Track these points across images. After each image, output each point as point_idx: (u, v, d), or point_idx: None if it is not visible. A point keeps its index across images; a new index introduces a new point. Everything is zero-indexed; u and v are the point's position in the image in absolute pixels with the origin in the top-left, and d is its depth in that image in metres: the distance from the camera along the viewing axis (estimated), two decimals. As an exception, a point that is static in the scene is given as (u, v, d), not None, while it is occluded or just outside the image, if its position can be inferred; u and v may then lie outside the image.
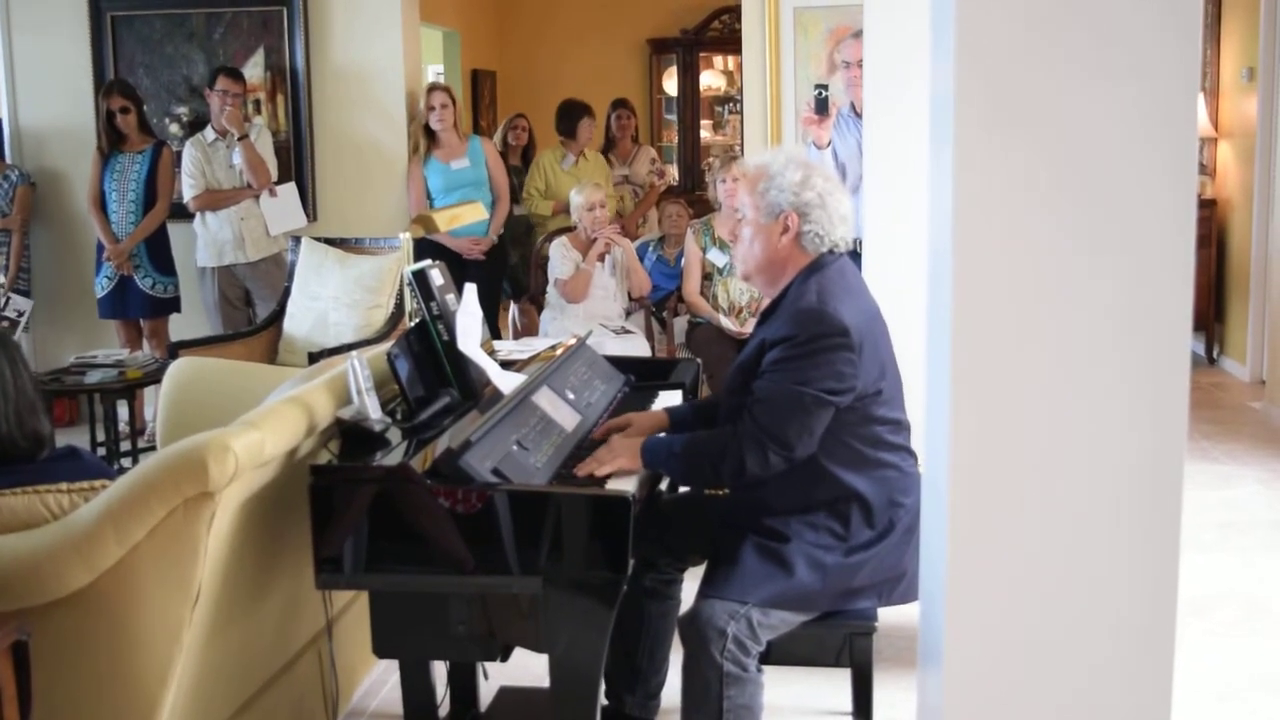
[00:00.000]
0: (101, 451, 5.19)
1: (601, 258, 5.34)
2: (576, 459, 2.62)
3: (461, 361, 2.72)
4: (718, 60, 10.11)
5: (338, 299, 5.28)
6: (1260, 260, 6.47)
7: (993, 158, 1.62)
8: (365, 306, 5.27)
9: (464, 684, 3.04)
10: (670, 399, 3.26)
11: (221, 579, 2.28)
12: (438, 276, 2.77)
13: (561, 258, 5.34)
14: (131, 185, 5.80)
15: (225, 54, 6.16)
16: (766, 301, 2.73)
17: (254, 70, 6.15)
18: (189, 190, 5.84)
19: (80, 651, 2.14)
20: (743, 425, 2.52)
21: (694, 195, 8.64)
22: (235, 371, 3.91)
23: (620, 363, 3.39)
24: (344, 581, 2.42)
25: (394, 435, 2.49)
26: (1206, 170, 7.28)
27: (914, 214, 3.05)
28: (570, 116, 6.49)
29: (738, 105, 9.24)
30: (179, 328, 5.99)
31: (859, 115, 4.31)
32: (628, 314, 5.52)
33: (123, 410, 5.44)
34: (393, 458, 2.38)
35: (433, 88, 5.96)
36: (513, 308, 5.90)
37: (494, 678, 3.18)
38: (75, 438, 5.07)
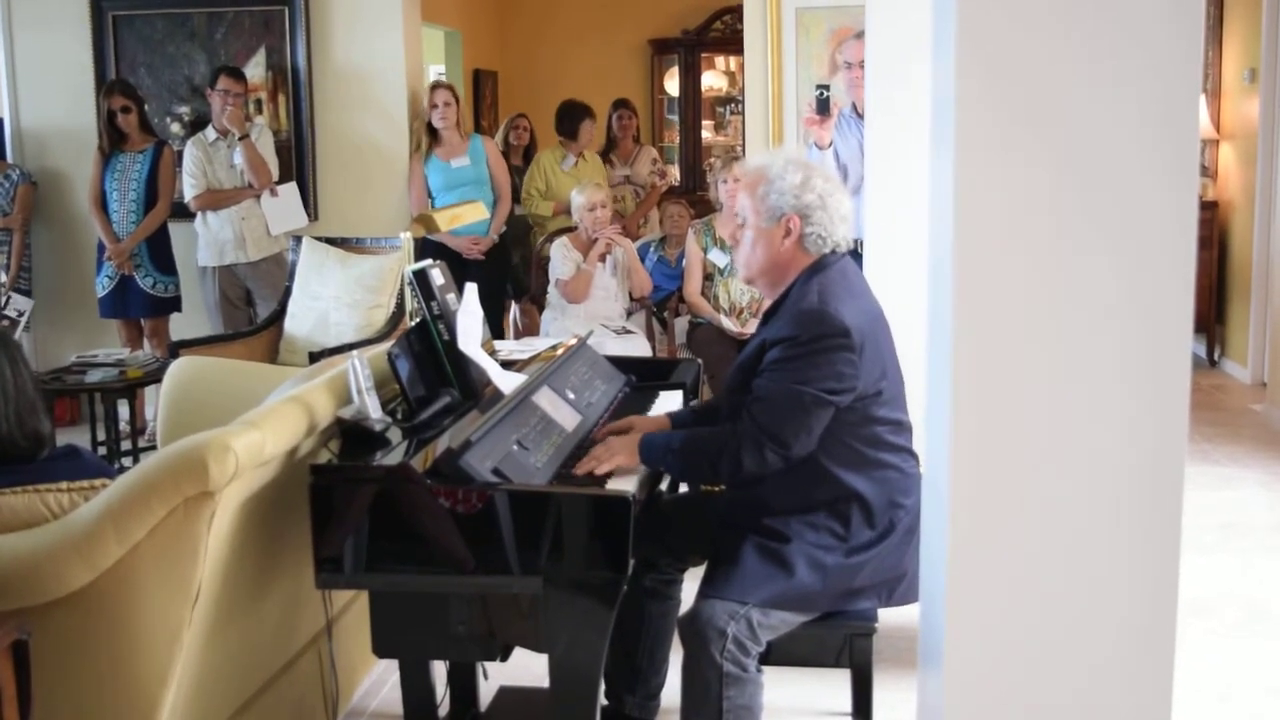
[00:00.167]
0: (102, 451, 5.19)
1: (602, 258, 5.33)
2: (577, 459, 2.62)
3: (462, 361, 2.72)
4: (719, 61, 10.11)
5: (339, 299, 5.28)
6: (1261, 262, 6.46)
7: (994, 158, 1.61)
8: (366, 306, 5.27)
9: (464, 684, 3.04)
10: (671, 399, 3.26)
11: (222, 578, 2.28)
12: (438, 276, 2.77)
13: (562, 258, 5.34)
14: (132, 185, 5.80)
15: (226, 53, 6.16)
16: (768, 303, 2.72)
17: (255, 70, 6.16)
18: (190, 190, 5.84)
19: (80, 651, 2.14)
20: (741, 423, 2.52)
21: (695, 196, 8.64)
22: (236, 371, 3.91)
23: (621, 363, 3.39)
24: (344, 581, 2.41)
25: (394, 435, 2.49)
26: (1208, 172, 7.28)
27: (915, 215, 3.04)
28: (572, 118, 6.49)
29: (739, 106, 9.25)
30: (180, 327, 6.00)
31: (861, 116, 4.31)
32: (629, 314, 5.52)
33: (123, 410, 5.44)
34: (393, 457, 2.38)
35: (436, 85, 5.97)
36: (513, 308, 5.90)
37: (494, 678, 3.18)
38: (76, 437, 5.07)
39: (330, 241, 5.53)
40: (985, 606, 1.70)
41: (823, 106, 4.28)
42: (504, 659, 2.51)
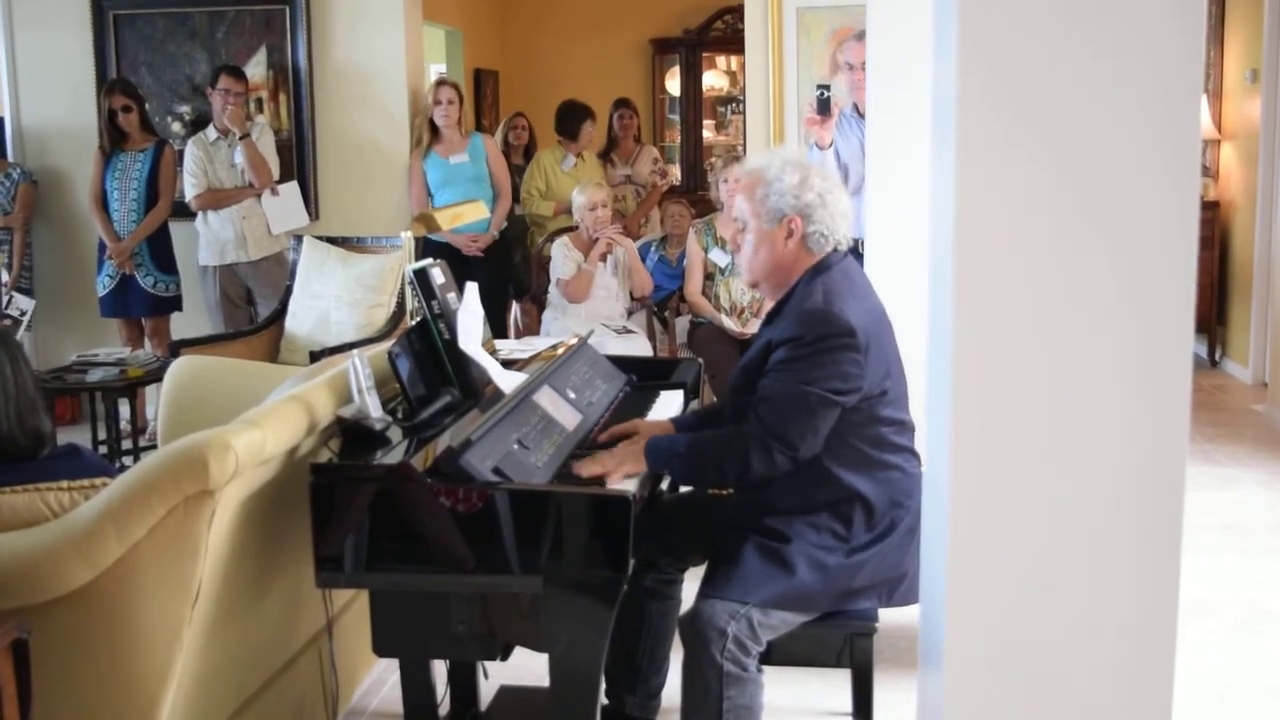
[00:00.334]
0: (103, 450, 5.19)
1: (603, 258, 5.33)
2: (578, 458, 2.61)
3: (462, 360, 2.72)
4: (720, 60, 10.11)
5: (339, 298, 5.28)
6: (1263, 262, 6.46)
7: (995, 158, 1.61)
8: (367, 305, 5.27)
9: (464, 683, 3.04)
10: (672, 399, 3.26)
11: (222, 577, 2.28)
12: (439, 275, 2.77)
13: (563, 258, 5.34)
14: (133, 184, 5.80)
15: (227, 53, 6.16)
16: (770, 303, 2.72)
17: (256, 69, 6.16)
18: (191, 189, 5.84)
19: (81, 650, 2.14)
20: (748, 425, 2.51)
21: (696, 195, 8.64)
22: (237, 370, 3.91)
23: (622, 362, 3.39)
24: (344, 580, 2.41)
25: (395, 434, 2.49)
26: (1209, 172, 7.28)
27: (916, 215, 3.04)
28: (573, 119, 6.48)
29: (740, 105, 9.24)
30: (180, 326, 6.00)
31: (861, 115, 4.31)
32: (629, 314, 5.52)
33: (124, 409, 5.44)
34: (393, 456, 2.38)
35: (441, 82, 5.97)
36: (514, 307, 5.90)
37: (494, 677, 3.18)
38: (77, 436, 5.08)
39: (331, 241, 5.53)
40: (986, 607, 1.70)
41: (823, 106, 4.28)
42: (504, 658, 2.51)
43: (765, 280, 2.68)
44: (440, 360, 2.73)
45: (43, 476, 2.23)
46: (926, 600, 1.87)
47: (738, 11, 7.81)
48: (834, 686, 3.11)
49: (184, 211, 5.93)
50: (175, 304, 6.00)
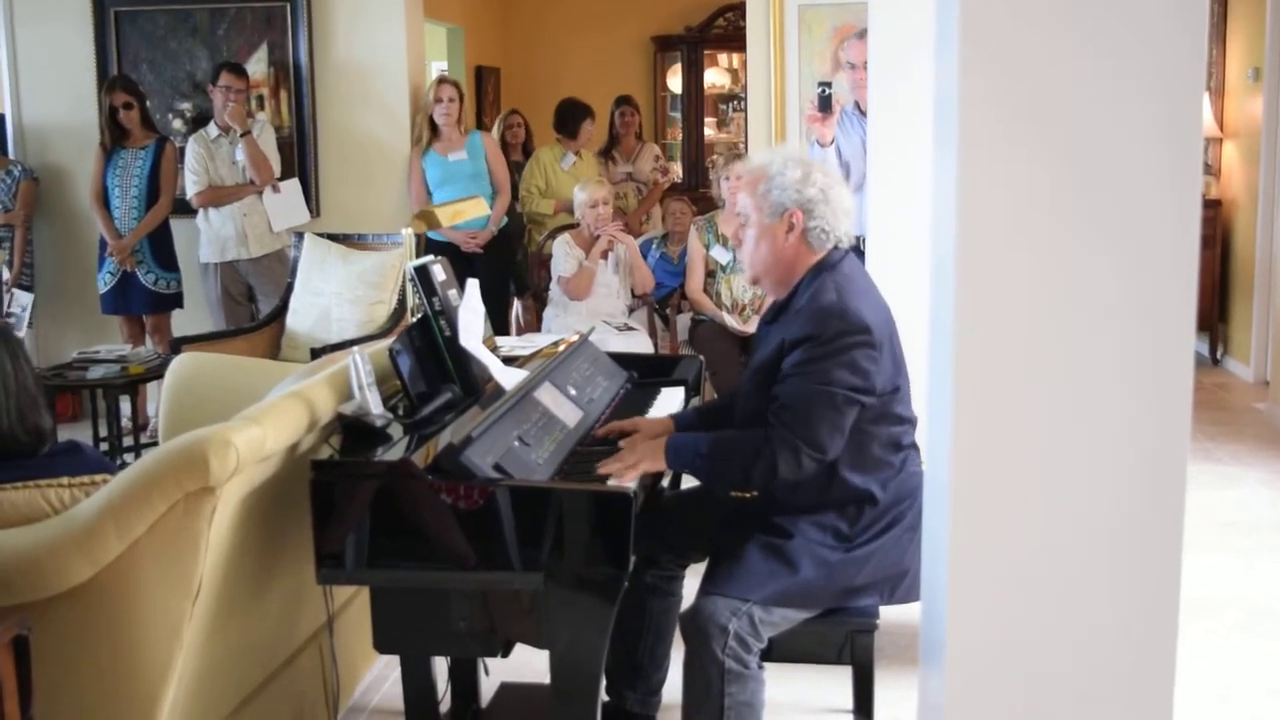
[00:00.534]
0: (104, 447, 5.20)
1: (605, 255, 5.33)
2: (578, 455, 2.61)
3: (463, 357, 2.72)
4: (722, 58, 10.11)
5: (340, 295, 5.28)
6: (1265, 261, 6.46)
7: (996, 156, 1.61)
8: (368, 302, 5.27)
9: (465, 680, 3.04)
10: (673, 396, 3.26)
11: (223, 574, 2.28)
12: (440, 272, 2.76)
13: (565, 255, 5.34)
14: (134, 181, 5.80)
15: (228, 49, 6.16)
16: (770, 300, 2.71)
17: (257, 66, 6.15)
18: (192, 186, 5.84)
19: (81, 646, 2.14)
20: (773, 429, 2.49)
21: (698, 193, 8.63)
22: (237, 367, 3.91)
23: (623, 360, 3.38)
24: (345, 577, 2.41)
25: (395, 431, 2.49)
26: (1211, 170, 7.27)
27: (917, 212, 3.04)
28: (574, 118, 6.47)
29: (742, 103, 9.24)
30: (181, 323, 6.00)
31: (863, 113, 4.31)
32: (631, 311, 5.52)
33: (125, 406, 5.44)
34: (394, 453, 2.38)
35: (441, 80, 5.97)
36: (516, 304, 5.91)
37: (495, 673, 3.18)
38: (78, 433, 5.07)
39: (332, 237, 5.53)
40: (987, 604, 1.70)
41: (825, 104, 4.28)
42: (505, 655, 2.51)
43: (766, 276, 2.67)
44: (441, 357, 2.73)
45: (43, 473, 2.23)
46: (928, 597, 1.87)
47: (739, 9, 7.81)
48: (835, 683, 3.11)
49: (185, 208, 5.93)
50: (176, 301, 6.00)
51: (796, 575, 2.51)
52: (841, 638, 2.65)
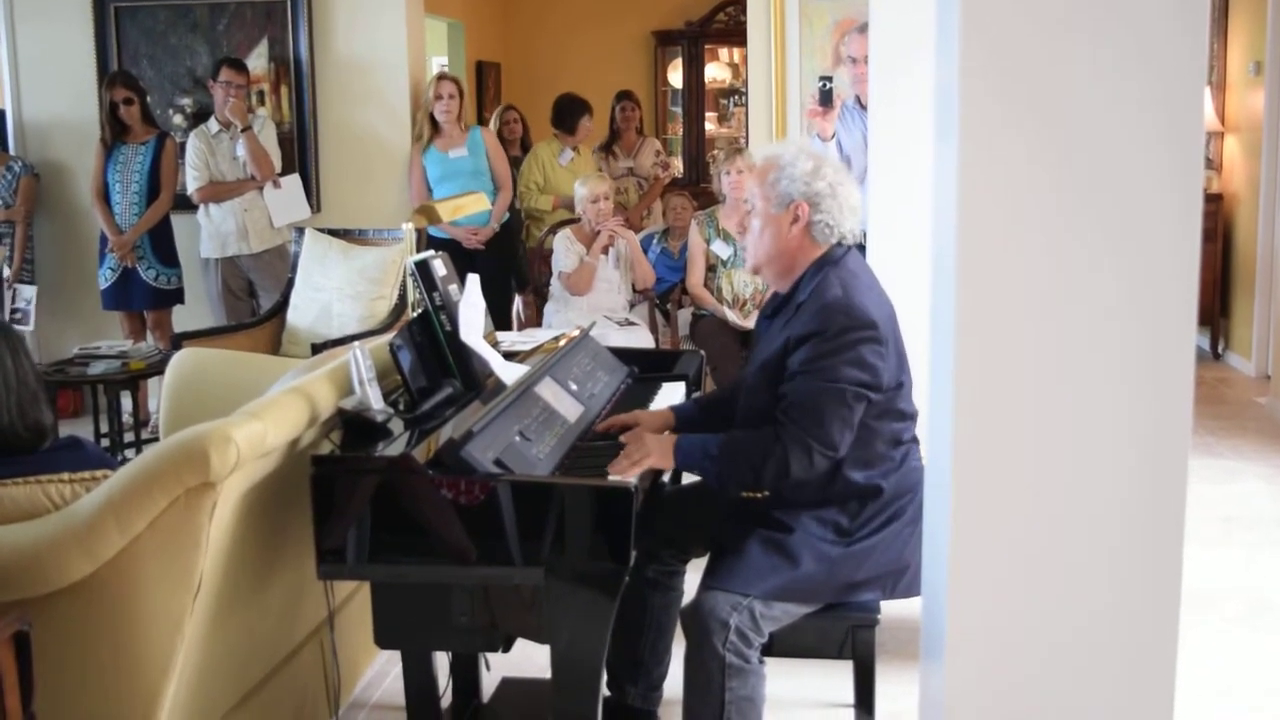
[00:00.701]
0: (105, 442, 5.20)
1: (605, 250, 5.33)
2: (579, 450, 2.61)
3: (464, 352, 2.72)
4: (723, 52, 10.10)
5: (341, 290, 5.28)
6: (1266, 255, 6.46)
7: (997, 150, 1.61)
8: (369, 298, 5.27)
9: (466, 675, 3.04)
10: (673, 390, 3.26)
11: (223, 569, 2.28)
12: (440, 267, 2.76)
13: (566, 250, 5.34)
14: (135, 177, 5.80)
15: (229, 45, 6.16)
16: (770, 293, 2.71)
17: (257, 61, 6.15)
18: (193, 182, 5.84)
19: (82, 642, 2.14)
20: (783, 428, 2.48)
21: (698, 188, 8.63)
22: (238, 362, 3.91)
23: (624, 354, 3.38)
24: (346, 572, 2.41)
25: (396, 426, 2.49)
26: (1213, 165, 7.27)
27: (918, 207, 3.04)
28: (571, 113, 6.47)
29: (743, 98, 9.23)
30: (182, 319, 6.00)
31: (864, 107, 4.30)
32: (631, 306, 5.52)
33: (126, 401, 5.45)
34: (395, 448, 2.38)
35: (441, 77, 5.96)
36: (516, 300, 5.91)
37: (496, 669, 3.18)
38: (79, 429, 5.08)
39: (333, 233, 5.53)
40: (987, 599, 1.70)
41: (825, 98, 4.28)
42: (506, 650, 2.51)
43: (768, 266, 2.66)
44: (442, 352, 2.73)
45: (44, 469, 2.23)
46: (929, 592, 1.87)
47: (740, 3, 7.81)
48: (836, 678, 3.12)
49: (185, 204, 5.93)
50: (177, 296, 6.00)
51: (797, 570, 2.51)
52: (842, 632, 2.65)
